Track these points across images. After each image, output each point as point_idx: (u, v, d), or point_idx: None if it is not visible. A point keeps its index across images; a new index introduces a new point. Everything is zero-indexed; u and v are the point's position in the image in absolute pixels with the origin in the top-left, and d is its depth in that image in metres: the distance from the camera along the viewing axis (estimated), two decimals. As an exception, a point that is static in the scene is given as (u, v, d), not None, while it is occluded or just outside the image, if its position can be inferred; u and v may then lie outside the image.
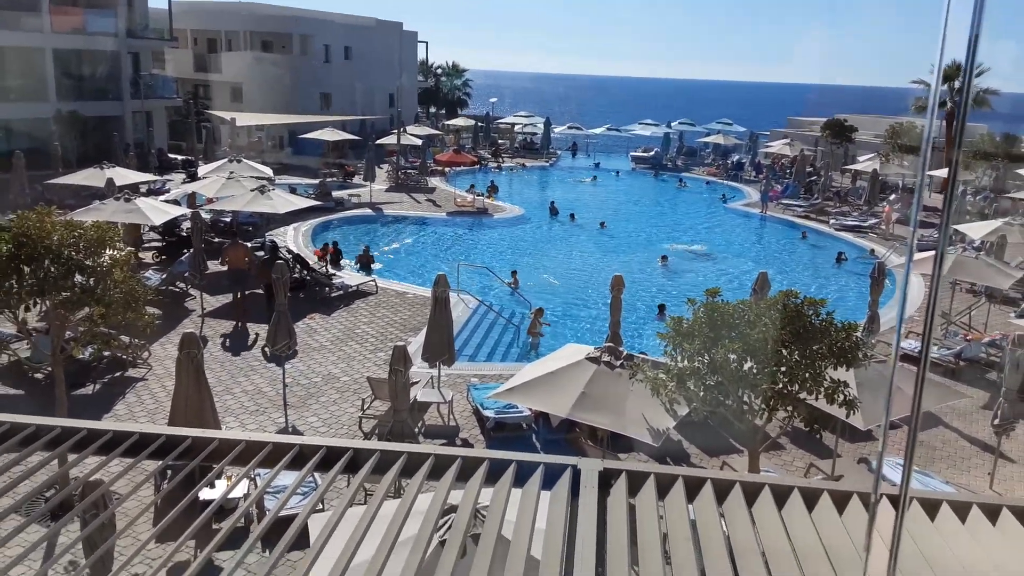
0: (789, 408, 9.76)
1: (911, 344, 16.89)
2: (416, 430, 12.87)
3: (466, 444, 13.00)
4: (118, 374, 15.16)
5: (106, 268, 11.08)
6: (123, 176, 24.94)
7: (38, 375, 14.83)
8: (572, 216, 33.01)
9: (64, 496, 8.54)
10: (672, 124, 60.91)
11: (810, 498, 2.94)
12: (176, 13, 42.84)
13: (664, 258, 26.97)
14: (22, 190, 25.29)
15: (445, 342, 14.13)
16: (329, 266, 22.22)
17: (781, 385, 9.58)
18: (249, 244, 22.29)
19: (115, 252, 11.49)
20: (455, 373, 15.64)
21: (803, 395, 9.55)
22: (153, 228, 23.66)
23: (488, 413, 13.61)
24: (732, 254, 29.06)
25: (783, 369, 9.58)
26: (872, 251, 28.13)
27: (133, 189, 23.87)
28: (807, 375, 9.47)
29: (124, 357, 15.36)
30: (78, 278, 10.97)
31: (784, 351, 9.59)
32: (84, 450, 3.11)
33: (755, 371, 9.62)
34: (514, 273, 22.90)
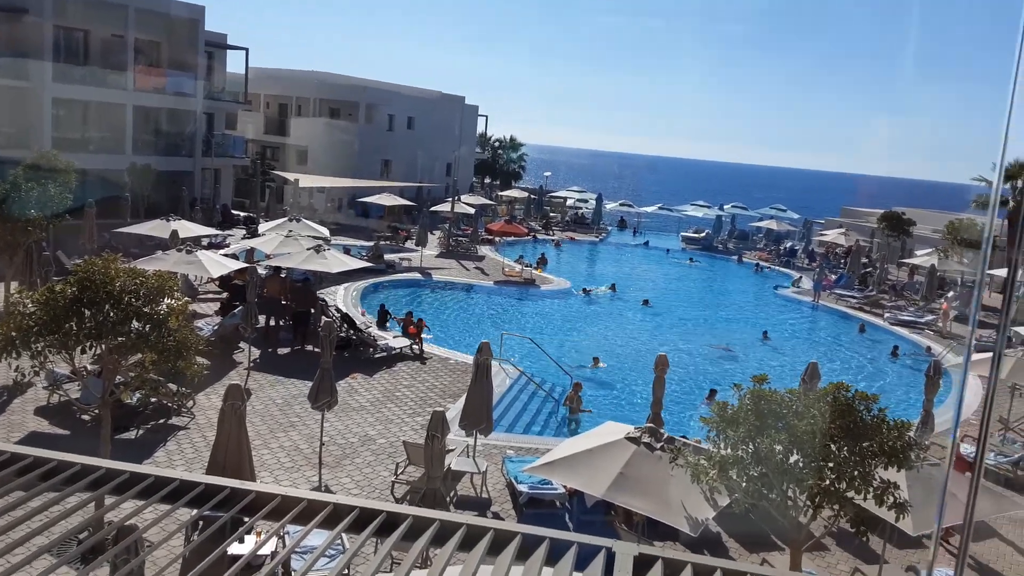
0: (835, 507, 9.36)
1: (966, 449, 16.17)
2: (448, 499, 12.70)
3: (497, 518, 12.76)
4: (162, 421, 15.40)
5: (163, 316, 11.39)
6: (187, 229, 25.86)
7: (85, 416, 15.15)
8: (646, 302, 32.38)
9: (97, 540, 8.59)
10: (724, 207, 60.97)
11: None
12: (252, 79, 45.07)
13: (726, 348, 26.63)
14: (91, 236, 26.42)
15: (484, 410, 14.05)
16: (377, 329, 22.50)
17: (828, 482, 9.22)
18: (284, 275, 23.16)
19: (172, 301, 11.82)
20: (491, 443, 15.47)
21: (851, 494, 9.17)
22: (211, 280, 24.36)
23: (522, 487, 13.37)
24: (782, 341, 28.50)
25: (831, 465, 9.23)
26: (928, 348, 27.31)
27: (195, 242, 24.71)
28: (856, 473, 9.10)
29: (169, 404, 15.63)
30: (135, 324, 11.28)
31: (832, 446, 9.27)
32: (124, 493, 3.15)
33: (801, 465, 9.30)
34: (595, 359, 23.21)
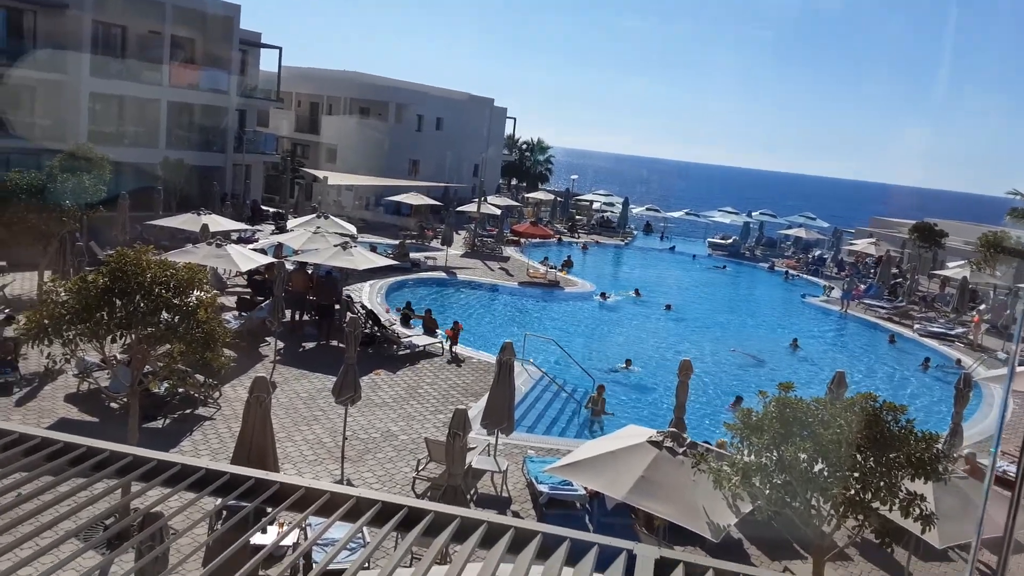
0: (860, 517, 9.24)
1: (998, 464, 15.86)
2: (468, 497, 12.72)
3: (517, 517, 12.76)
4: (188, 411, 15.61)
5: (192, 308, 11.54)
6: (217, 223, 26.17)
7: (114, 404, 15.39)
8: (668, 306, 32.20)
9: (123, 526, 8.73)
10: (753, 213, 60.41)
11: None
12: (285, 77, 45.55)
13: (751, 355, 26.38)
14: (124, 228, 26.84)
15: (506, 410, 14.05)
16: (403, 327, 22.61)
17: (853, 491, 9.10)
18: (310, 271, 23.32)
19: (202, 293, 11.97)
20: (512, 443, 15.48)
21: (876, 504, 9.04)
22: (239, 274, 24.64)
23: (542, 488, 13.36)
24: (810, 350, 28.16)
25: (856, 475, 9.11)
26: (958, 361, 26.83)
27: (225, 236, 25.00)
28: (882, 483, 8.97)
29: (196, 395, 15.83)
30: (164, 315, 11.44)
31: (859, 456, 9.14)
32: (151, 480, 3.18)
33: (826, 474, 9.19)
34: (627, 361, 23.15)
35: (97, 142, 28.92)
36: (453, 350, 21.36)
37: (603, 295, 32.65)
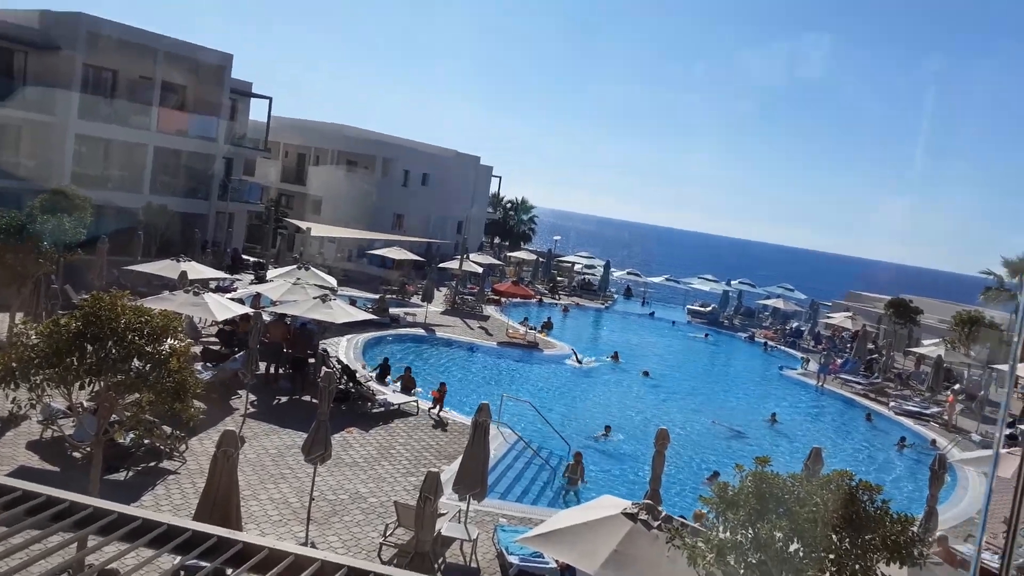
0: (835, 601, 9.06)
1: (968, 549, 15.75)
2: (436, 566, 12.38)
3: (487, 588, 12.39)
4: (153, 463, 15.17)
5: (164, 357, 11.32)
6: (196, 271, 25.97)
7: (77, 454, 14.94)
8: (646, 372, 32.15)
9: (74, 584, 8.36)
10: (732, 282, 61.12)
11: None
12: (274, 127, 45.99)
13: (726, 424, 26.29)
14: (100, 272, 26.54)
15: (479, 474, 13.80)
16: (378, 384, 22.35)
17: (828, 574, 8.95)
18: (288, 322, 23.12)
19: (175, 342, 11.77)
20: (484, 509, 15.15)
21: (851, 588, 8.88)
22: (215, 323, 24.35)
23: (513, 559, 13.03)
24: (786, 424, 28.11)
25: (831, 556, 8.98)
26: (933, 441, 26.89)
27: (203, 284, 24.77)
28: (857, 567, 8.84)
29: (161, 447, 15.41)
30: (136, 363, 11.20)
31: (834, 536, 9.02)
32: (110, 535, 3.04)
33: (801, 554, 9.04)
34: (607, 428, 22.94)
35: (81, 184, 28.85)
36: (439, 414, 20.93)
37: (577, 359, 32.28)
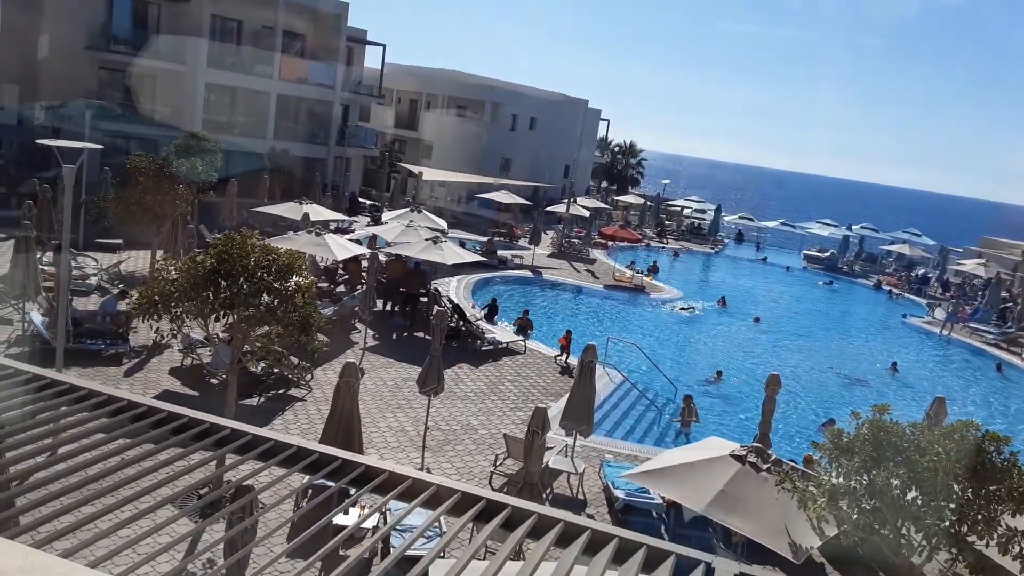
0: (954, 551, 8.79)
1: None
2: (544, 496, 12.78)
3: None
4: (282, 391, 16.27)
5: (291, 292, 12.02)
6: (317, 212, 27.10)
7: (214, 380, 16.21)
8: (757, 319, 31.39)
9: (216, 496, 9.18)
10: (853, 227, 58.02)
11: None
12: (387, 74, 46.76)
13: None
14: (230, 213, 28.18)
15: (586, 411, 14.03)
16: (486, 323, 22.87)
17: (948, 523, 8.67)
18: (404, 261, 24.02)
19: (300, 279, 12.46)
20: (590, 446, 15.44)
21: (972, 538, 8.59)
22: (335, 263, 25.48)
23: (619, 493, 13.27)
24: (907, 372, 26.86)
25: (952, 506, 8.68)
26: (1072, 394, 25.07)
27: (324, 225, 25.87)
28: (979, 517, 8.52)
29: (289, 376, 16.49)
30: (265, 298, 11.96)
31: (956, 486, 8.70)
32: (246, 454, 3.35)
33: (920, 502, 8.79)
34: (718, 372, 22.78)
35: (210, 130, 30.42)
36: (567, 360, 20.64)
37: (682, 308, 31.49)
